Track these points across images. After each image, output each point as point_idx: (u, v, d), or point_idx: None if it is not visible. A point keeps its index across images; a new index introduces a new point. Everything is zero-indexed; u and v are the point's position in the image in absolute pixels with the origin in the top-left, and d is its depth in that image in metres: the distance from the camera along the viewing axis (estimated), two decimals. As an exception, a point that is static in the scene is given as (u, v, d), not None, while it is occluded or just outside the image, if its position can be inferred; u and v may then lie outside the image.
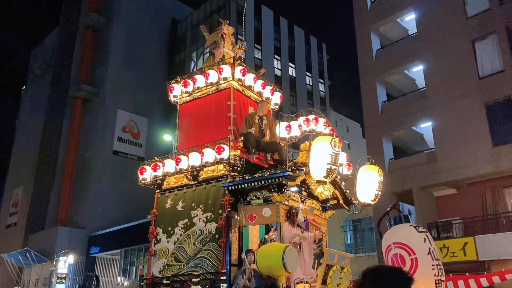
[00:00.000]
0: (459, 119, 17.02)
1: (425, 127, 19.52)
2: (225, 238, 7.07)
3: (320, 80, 42.12)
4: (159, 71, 36.77)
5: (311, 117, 8.19)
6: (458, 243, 15.29)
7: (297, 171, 6.84)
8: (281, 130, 8.34)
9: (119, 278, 27.74)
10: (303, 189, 7.68)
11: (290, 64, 39.01)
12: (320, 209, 8.33)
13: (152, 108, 35.68)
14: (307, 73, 40.75)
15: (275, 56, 37.66)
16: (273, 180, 6.76)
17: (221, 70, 8.35)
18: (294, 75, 39.06)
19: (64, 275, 24.30)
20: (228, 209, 7.22)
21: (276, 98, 9.41)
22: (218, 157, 7.46)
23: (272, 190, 6.94)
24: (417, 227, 3.38)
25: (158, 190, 8.47)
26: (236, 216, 7.27)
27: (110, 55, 35.10)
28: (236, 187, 7.18)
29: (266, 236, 7.77)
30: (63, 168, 33.76)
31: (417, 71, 20.41)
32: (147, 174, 8.49)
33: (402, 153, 20.68)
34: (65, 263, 24.70)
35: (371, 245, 25.53)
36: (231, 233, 7.11)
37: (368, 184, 7.11)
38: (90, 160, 33.07)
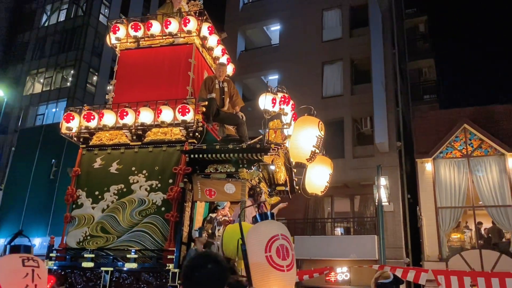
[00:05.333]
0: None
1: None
2: (175, 211, 6.22)
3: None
4: (0, 18, 31.94)
5: (286, 95, 7.64)
6: (281, 242, 16.79)
7: (277, 149, 6.33)
8: (266, 102, 7.54)
9: None
10: (260, 170, 7.12)
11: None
12: (267, 194, 7.84)
13: (-16, 58, 30.82)
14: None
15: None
16: (245, 155, 6.13)
17: (187, 21, 7.26)
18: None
19: None
20: (185, 180, 6.36)
21: (229, 70, 8.63)
22: (180, 118, 6.51)
23: (241, 166, 6.28)
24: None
25: (84, 145, 7.18)
26: (189, 189, 6.42)
27: None
28: (196, 156, 6.33)
29: (213, 215, 7.14)
30: None
31: (272, 79, 21.80)
32: (74, 123, 7.12)
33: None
34: None
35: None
36: (185, 207, 6.27)
37: (319, 175, 6.89)
38: None
